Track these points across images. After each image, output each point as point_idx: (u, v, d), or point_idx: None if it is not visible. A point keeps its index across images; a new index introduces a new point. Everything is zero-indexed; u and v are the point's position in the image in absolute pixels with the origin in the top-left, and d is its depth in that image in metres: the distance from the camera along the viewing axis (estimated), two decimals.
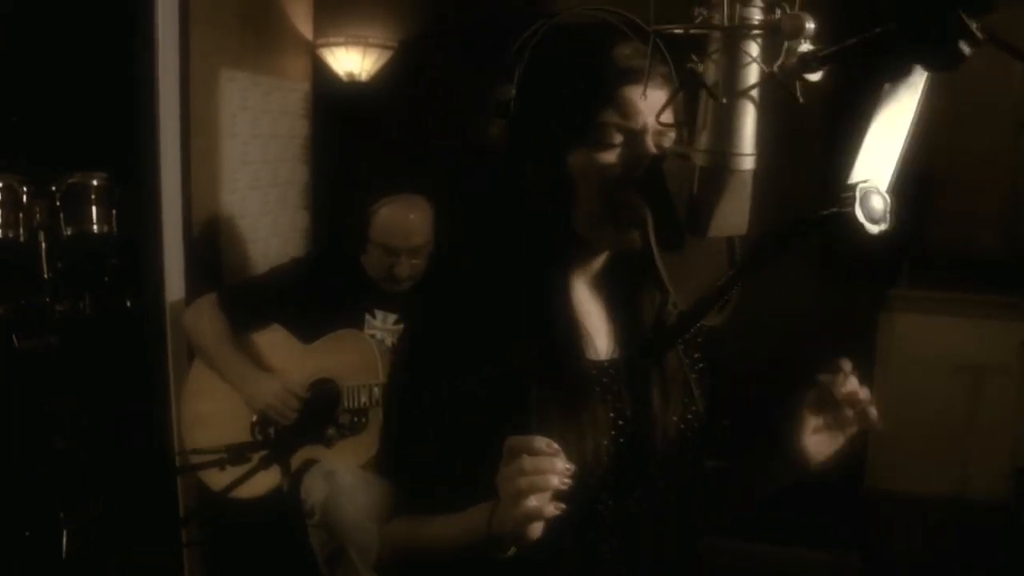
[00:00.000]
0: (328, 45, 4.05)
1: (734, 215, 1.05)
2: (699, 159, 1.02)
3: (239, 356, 2.77)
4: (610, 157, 1.18)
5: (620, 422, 1.26)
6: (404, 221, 2.80)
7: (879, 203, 0.88)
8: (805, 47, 0.93)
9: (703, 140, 1.02)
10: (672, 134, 1.21)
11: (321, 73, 4.15)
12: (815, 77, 0.93)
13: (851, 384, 1.20)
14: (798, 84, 0.98)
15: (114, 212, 2.94)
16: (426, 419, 1.22)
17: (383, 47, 4.06)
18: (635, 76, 1.17)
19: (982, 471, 3.73)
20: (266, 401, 2.72)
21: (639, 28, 1.26)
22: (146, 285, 3.09)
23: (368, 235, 2.80)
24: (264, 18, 3.85)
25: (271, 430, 2.78)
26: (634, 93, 1.17)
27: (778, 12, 0.95)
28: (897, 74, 0.90)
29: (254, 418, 2.78)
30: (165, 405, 3.05)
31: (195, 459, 2.34)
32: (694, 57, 1.03)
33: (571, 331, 1.25)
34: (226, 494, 2.36)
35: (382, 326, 2.86)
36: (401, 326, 2.79)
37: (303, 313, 2.79)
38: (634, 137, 1.18)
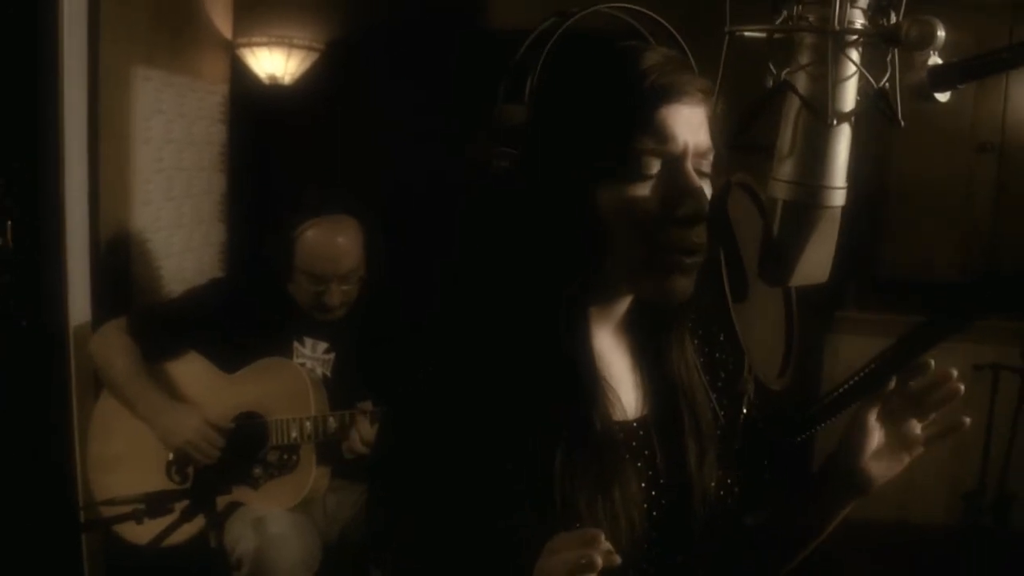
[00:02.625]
0: (249, 45, 3.84)
1: (820, 260, 0.86)
2: (781, 192, 0.83)
3: (152, 388, 2.51)
4: (645, 190, 0.99)
5: (653, 492, 1.09)
6: (332, 245, 2.57)
7: None
8: (934, 59, 0.75)
9: (787, 169, 0.83)
10: (711, 157, 1.02)
11: (241, 75, 3.93)
12: (945, 97, 0.75)
13: (955, 382, 1.04)
14: (899, 105, 0.81)
15: (9, 224, 2.65)
16: (429, 506, 1.00)
17: (309, 48, 3.86)
18: (673, 93, 0.98)
19: (927, 497, 3.71)
20: (184, 437, 2.47)
21: (667, 32, 1.08)
22: (46, 307, 2.78)
23: (292, 263, 2.56)
24: (180, 13, 3.60)
25: (190, 470, 2.52)
26: (671, 113, 0.98)
27: (893, 16, 0.77)
28: None
29: (170, 457, 2.51)
30: (67, 446, 2.73)
31: (106, 511, 2.06)
32: (772, 67, 0.84)
33: (595, 388, 1.04)
34: (155, 546, 2.08)
35: (312, 354, 2.63)
36: (332, 355, 2.61)
37: (225, 340, 2.55)
38: (673, 164, 0.99)
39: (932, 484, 3.69)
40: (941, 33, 0.73)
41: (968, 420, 1.05)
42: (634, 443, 1.09)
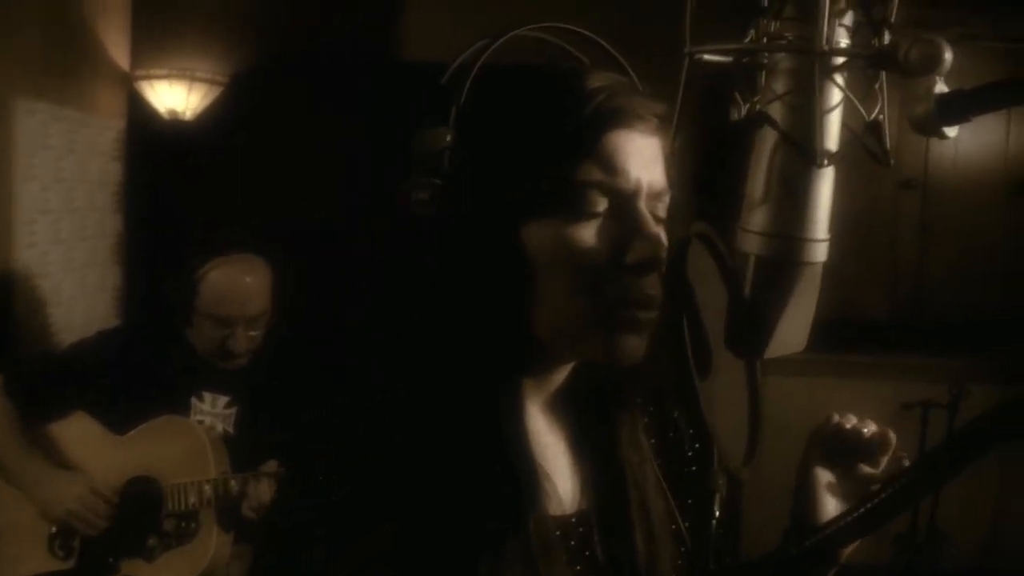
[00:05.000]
0: (148, 78, 3.68)
1: (798, 325, 0.73)
2: (753, 245, 0.69)
3: (31, 453, 2.28)
4: (590, 231, 0.83)
5: None
6: (238, 286, 2.40)
7: None
8: (940, 86, 0.62)
9: (759, 218, 0.69)
10: (667, 200, 0.88)
11: (139, 109, 3.75)
12: (952, 132, 0.62)
13: (872, 425, 0.97)
14: (887, 141, 0.68)
15: None
16: None
17: (212, 82, 3.72)
18: (622, 116, 0.84)
19: None
20: (66, 507, 2.25)
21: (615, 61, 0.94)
22: None
23: (194, 305, 2.37)
24: (72, 42, 3.40)
25: (76, 543, 2.29)
26: (621, 140, 0.84)
27: (887, 37, 0.64)
28: None
29: (53, 530, 2.28)
30: None
31: None
32: (738, 97, 0.70)
33: (528, 476, 0.88)
34: None
35: (212, 410, 2.43)
36: (234, 409, 2.41)
37: (114, 397, 2.34)
38: (624, 203, 0.84)
39: None
40: (948, 56, 0.61)
41: (907, 461, 0.96)
42: (572, 542, 0.92)
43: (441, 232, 0.87)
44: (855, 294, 3.52)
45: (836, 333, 3.36)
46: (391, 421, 0.87)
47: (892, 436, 0.96)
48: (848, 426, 0.97)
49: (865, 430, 0.96)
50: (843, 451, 0.97)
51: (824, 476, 0.98)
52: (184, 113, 3.68)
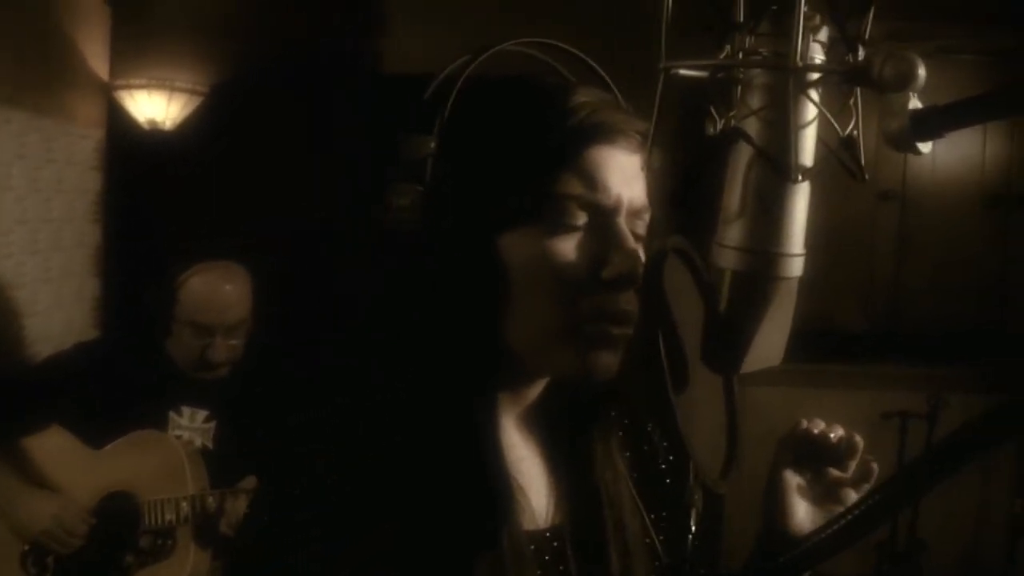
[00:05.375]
0: (127, 87, 3.64)
1: (774, 340, 0.73)
2: (729, 260, 0.69)
3: (3, 470, 2.24)
4: (568, 245, 0.83)
5: None
6: (218, 293, 2.38)
7: None
8: (914, 102, 0.62)
9: (735, 234, 0.69)
10: (647, 217, 0.88)
11: (118, 119, 3.70)
12: (927, 148, 0.62)
13: (839, 430, 0.97)
14: (862, 156, 0.68)
15: None
16: None
17: (191, 92, 3.68)
18: (604, 133, 0.84)
19: None
20: (40, 527, 2.21)
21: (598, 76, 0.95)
22: None
23: (173, 313, 2.35)
24: (49, 50, 3.35)
25: (49, 560, 2.26)
26: (603, 156, 0.84)
27: (861, 53, 0.64)
28: None
29: (25, 547, 2.24)
30: None
31: None
32: (713, 112, 0.70)
33: (502, 491, 0.87)
34: None
35: (190, 425, 2.41)
36: (213, 423, 2.38)
37: (91, 411, 2.30)
38: (603, 218, 0.84)
39: None
40: (922, 72, 0.61)
41: (876, 467, 0.97)
42: (547, 557, 0.91)
43: (420, 240, 0.87)
44: (834, 305, 3.53)
45: (815, 343, 3.37)
46: (364, 433, 0.87)
47: (859, 440, 0.96)
48: (816, 431, 0.97)
49: (832, 435, 0.96)
50: (812, 455, 0.98)
51: (794, 480, 0.98)
52: (164, 123, 3.65)
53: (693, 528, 0.79)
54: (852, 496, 0.97)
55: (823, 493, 0.98)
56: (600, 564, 0.93)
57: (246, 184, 3.57)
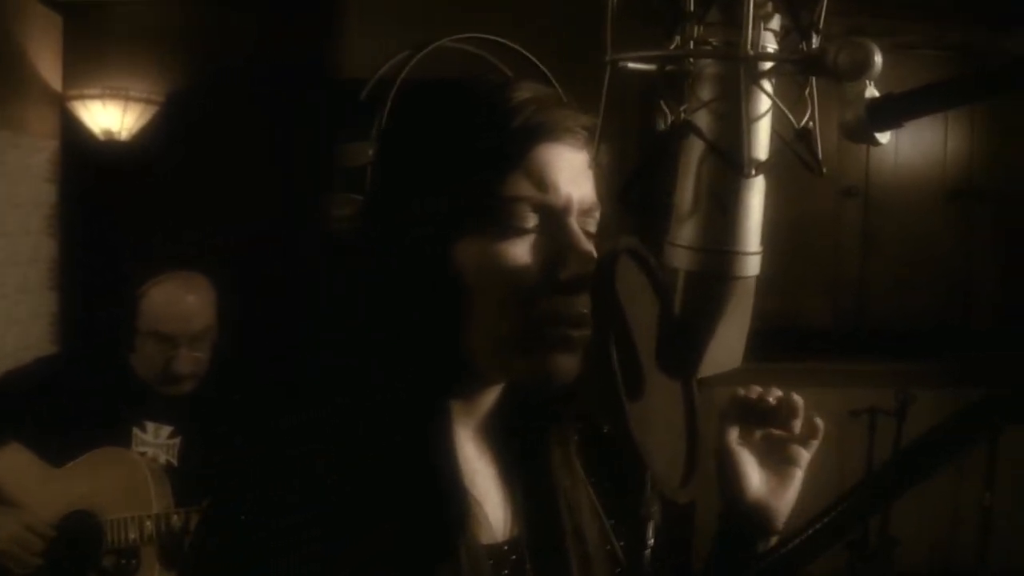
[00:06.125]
0: (81, 97, 3.61)
1: (732, 342, 0.70)
2: (682, 260, 0.66)
3: None
4: (520, 249, 0.81)
5: None
6: (181, 303, 2.34)
7: None
8: (871, 91, 0.59)
9: (688, 232, 0.66)
10: (597, 215, 0.85)
11: (72, 130, 3.67)
12: (884, 138, 0.60)
13: (777, 391, 0.97)
14: (818, 149, 0.66)
15: None
16: None
17: (147, 101, 3.66)
18: (551, 131, 0.82)
19: None
20: None
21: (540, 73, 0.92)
22: None
23: (136, 325, 2.30)
24: (1, 60, 3.31)
25: None
26: (550, 155, 0.81)
27: (815, 41, 0.61)
28: None
29: None
30: None
31: None
32: (664, 106, 0.67)
33: (458, 504, 0.84)
34: None
35: (154, 441, 2.35)
36: (178, 439, 2.32)
37: (51, 428, 2.25)
38: (554, 219, 0.82)
39: None
40: (878, 59, 0.58)
41: (821, 422, 0.97)
42: (505, 570, 0.89)
43: (364, 251, 0.83)
44: (798, 302, 3.53)
45: (780, 341, 3.37)
46: (317, 446, 0.84)
47: (797, 399, 0.96)
48: (754, 396, 0.96)
49: (770, 398, 0.96)
50: (756, 421, 0.97)
51: (742, 451, 0.98)
52: (119, 133, 3.62)
53: (651, 541, 0.76)
54: (803, 453, 0.97)
55: (775, 456, 0.97)
56: (560, 574, 0.91)
57: (204, 194, 3.53)
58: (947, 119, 3.59)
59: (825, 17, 0.63)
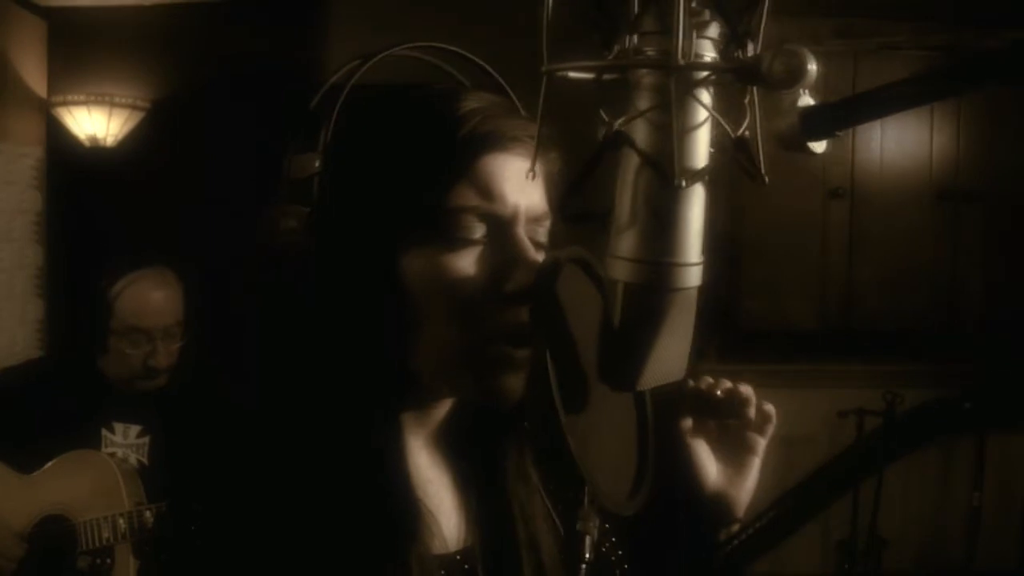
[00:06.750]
0: (66, 104, 3.58)
1: (674, 353, 0.69)
2: (622, 272, 0.65)
3: None
4: (467, 260, 0.80)
5: None
6: (153, 296, 2.37)
7: None
8: (805, 99, 0.59)
9: (627, 244, 0.65)
10: (547, 224, 0.85)
11: (57, 137, 3.65)
12: (820, 147, 0.59)
13: (725, 383, 0.96)
14: (762, 157, 0.65)
15: None
16: None
17: (133, 107, 3.63)
18: (497, 141, 0.81)
19: (801, 548, 3.67)
20: None
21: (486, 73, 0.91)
22: None
23: (110, 326, 2.31)
24: None
25: None
26: (497, 164, 0.81)
27: (751, 47, 0.61)
28: None
29: None
30: None
31: None
32: (603, 115, 0.66)
33: (409, 514, 0.83)
34: None
35: (123, 441, 2.37)
36: (147, 438, 2.34)
37: (19, 435, 2.25)
38: (501, 229, 0.81)
39: (806, 535, 3.65)
40: (812, 67, 0.57)
41: (772, 408, 0.96)
42: None
43: (314, 260, 0.83)
44: (786, 303, 3.52)
45: (767, 343, 3.37)
46: (269, 454, 0.83)
47: (746, 388, 0.95)
48: (704, 387, 0.95)
49: (718, 391, 0.95)
50: (708, 413, 0.96)
51: (697, 442, 0.97)
52: (105, 140, 3.59)
53: (587, 556, 0.75)
54: (759, 440, 0.96)
55: (731, 446, 0.97)
56: None
57: (189, 198, 3.51)
58: (932, 120, 3.59)
59: (816, 18, 0.62)
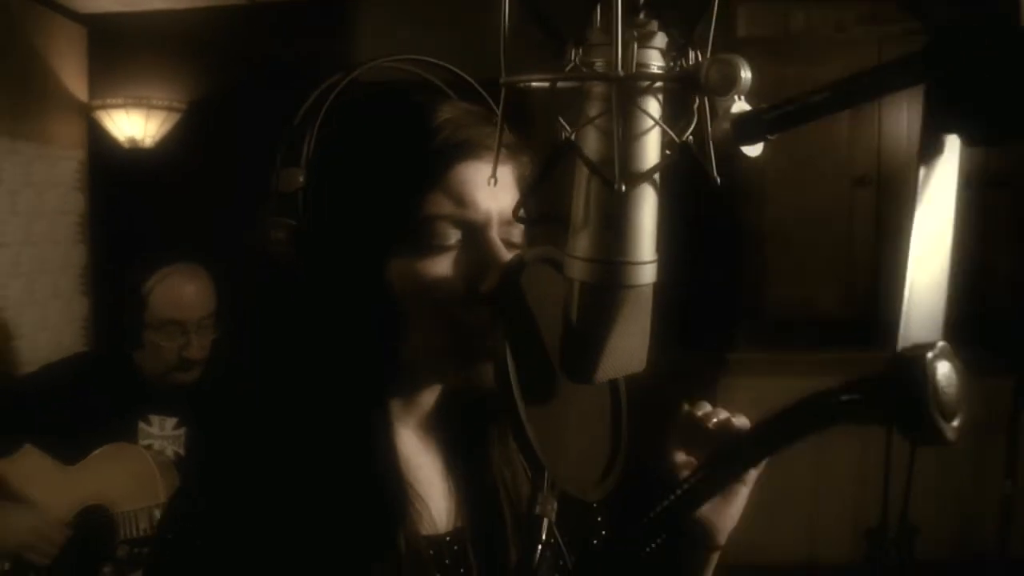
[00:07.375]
0: (106, 107, 3.67)
1: (631, 348, 0.73)
2: (578, 271, 0.69)
3: None
4: (444, 264, 0.85)
5: None
6: (186, 289, 2.45)
7: (949, 376, 0.52)
8: (739, 106, 0.62)
9: (582, 244, 0.69)
10: (521, 227, 0.89)
11: (98, 139, 3.74)
12: (755, 151, 0.63)
13: (721, 413, 0.97)
14: (714, 160, 0.69)
15: None
16: None
17: (169, 109, 3.72)
18: (470, 149, 0.85)
19: (832, 536, 3.66)
20: (19, 540, 2.23)
21: (465, 83, 0.96)
22: None
23: (145, 320, 2.38)
24: (27, 73, 3.40)
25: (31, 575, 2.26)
26: (469, 172, 0.85)
27: (692, 57, 0.64)
28: (930, 151, 0.61)
29: (7, 566, 2.26)
30: None
31: None
32: (563, 123, 0.71)
33: (399, 497, 0.88)
34: None
35: (160, 433, 2.44)
36: (183, 430, 2.42)
37: (60, 429, 2.33)
38: (475, 234, 0.86)
39: (836, 523, 3.65)
40: (745, 75, 0.61)
41: (745, 420, 0.96)
42: (447, 561, 0.93)
43: (305, 270, 0.88)
44: (812, 292, 3.51)
45: (794, 331, 3.36)
46: (265, 441, 0.89)
47: (742, 421, 0.96)
48: (700, 414, 0.97)
49: (714, 419, 0.96)
50: (701, 439, 0.98)
51: (685, 463, 0.99)
52: (144, 141, 3.67)
53: (543, 538, 0.79)
54: (750, 472, 0.97)
55: None
56: (503, 565, 0.95)
57: (226, 196, 3.59)
58: None
59: (841, 4, 0.65)
